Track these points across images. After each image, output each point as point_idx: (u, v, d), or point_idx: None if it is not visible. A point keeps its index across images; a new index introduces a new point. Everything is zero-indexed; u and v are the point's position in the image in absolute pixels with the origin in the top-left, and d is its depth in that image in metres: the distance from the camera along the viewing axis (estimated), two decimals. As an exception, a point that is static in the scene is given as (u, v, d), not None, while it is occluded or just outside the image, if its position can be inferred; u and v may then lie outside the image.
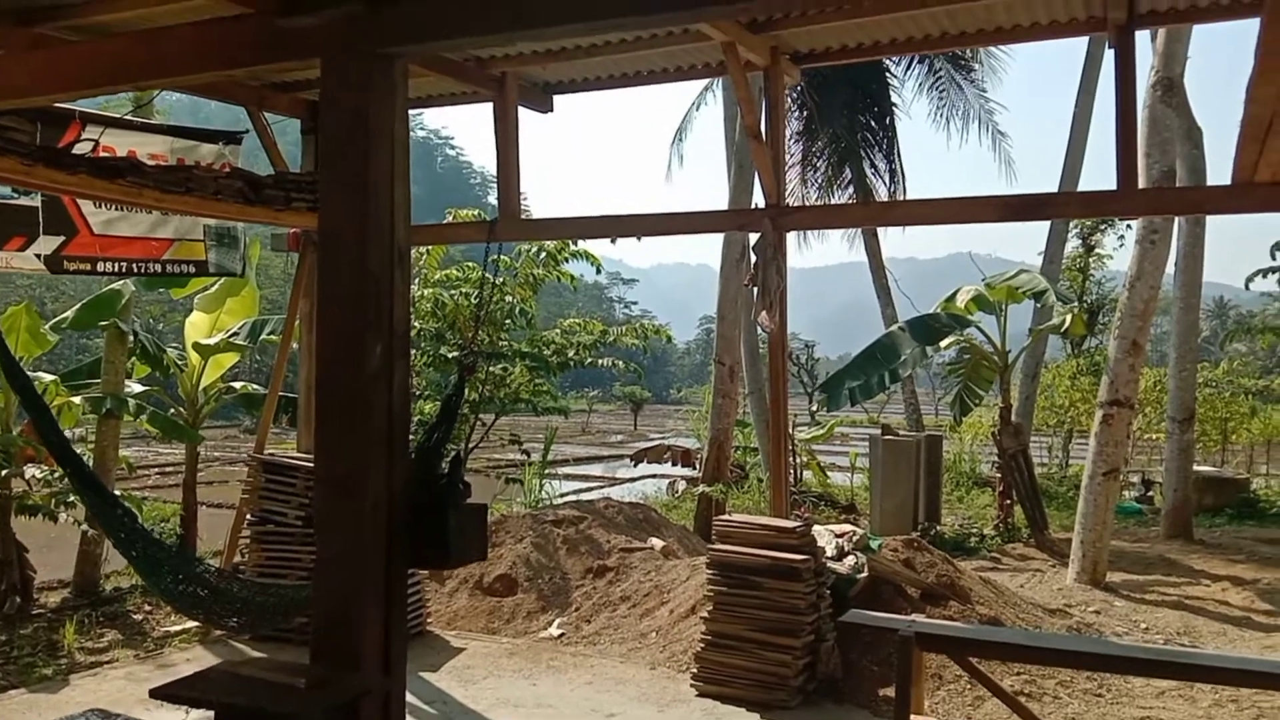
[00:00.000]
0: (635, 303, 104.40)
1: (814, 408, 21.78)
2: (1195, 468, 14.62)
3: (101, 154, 6.38)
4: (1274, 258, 15.77)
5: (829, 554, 7.04)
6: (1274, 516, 14.77)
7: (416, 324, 11.83)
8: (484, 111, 7.48)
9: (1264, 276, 16.20)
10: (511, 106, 7.15)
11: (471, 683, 6.63)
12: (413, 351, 12.18)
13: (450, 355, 11.05)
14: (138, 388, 9.49)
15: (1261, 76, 3.82)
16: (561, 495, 15.35)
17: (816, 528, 7.33)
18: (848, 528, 7.59)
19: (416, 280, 12.29)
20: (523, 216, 7.86)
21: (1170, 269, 12.20)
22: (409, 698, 6.29)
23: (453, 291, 11.59)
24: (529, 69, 7.03)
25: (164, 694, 3.02)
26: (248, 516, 7.77)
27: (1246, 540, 12.78)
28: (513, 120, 7.16)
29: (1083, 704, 6.20)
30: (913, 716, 5.09)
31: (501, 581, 8.58)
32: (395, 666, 3.19)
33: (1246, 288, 16.74)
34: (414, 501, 3.15)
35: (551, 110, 7.49)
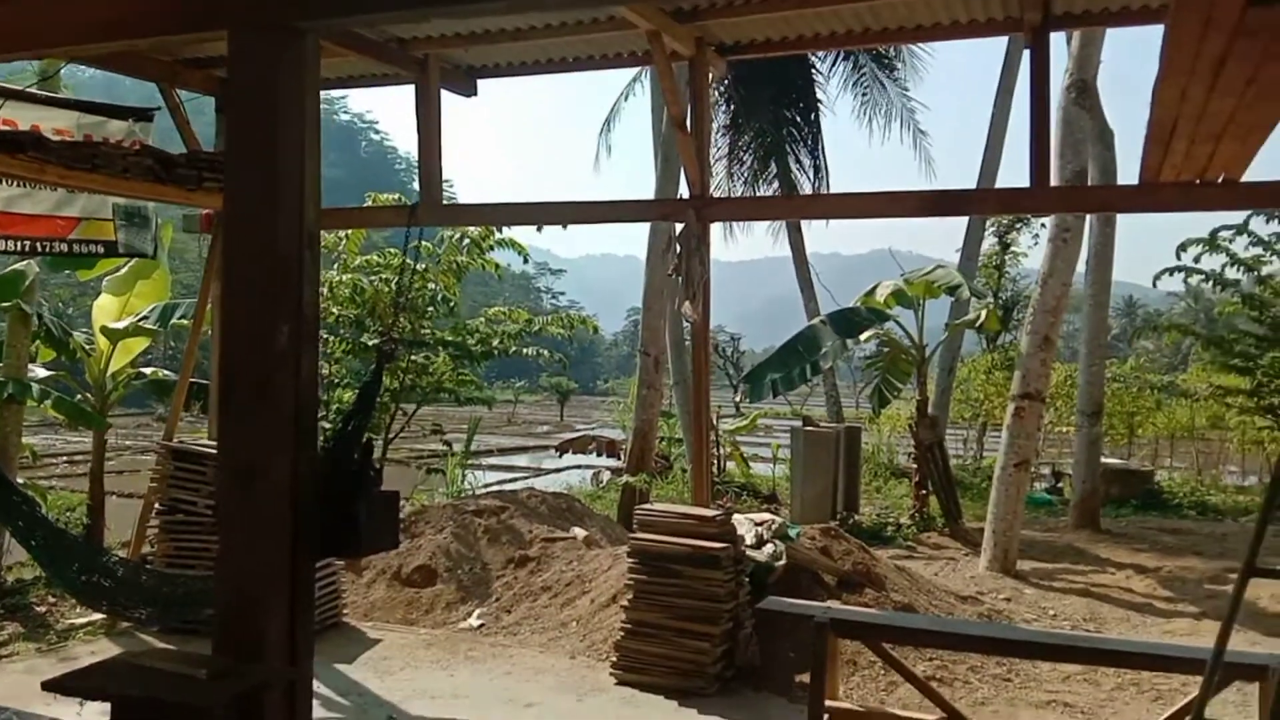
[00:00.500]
0: (563, 293, 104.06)
1: (737, 399, 21.97)
2: (1103, 460, 15.09)
3: (2, 128, 6.11)
4: (1179, 257, 16.29)
5: (748, 542, 7.10)
6: (1176, 507, 15.34)
7: (335, 310, 11.61)
8: (409, 95, 7.36)
9: (1170, 275, 16.70)
10: (434, 89, 7.04)
11: (388, 674, 6.54)
12: (332, 339, 11.96)
13: (371, 343, 10.86)
14: (42, 372, 9.13)
15: (1165, 80, 3.94)
16: (486, 486, 15.24)
17: (736, 516, 7.39)
18: (767, 516, 7.67)
19: (335, 266, 12.07)
20: (445, 202, 7.76)
21: (1081, 267, 12.58)
22: (323, 690, 6.22)
23: (373, 277, 11.40)
24: (451, 51, 6.93)
25: (57, 686, 2.91)
26: (156, 506, 7.54)
27: (1150, 530, 13.26)
28: (435, 103, 7.06)
29: (992, 688, 6.36)
30: (827, 702, 5.17)
31: (420, 572, 8.48)
32: (301, 656, 3.12)
33: (1154, 286, 17.24)
34: (322, 489, 3.08)
35: (475, 94, 7.40)
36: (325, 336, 12.06)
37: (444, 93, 7.30)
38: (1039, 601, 9.17)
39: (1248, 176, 5.54)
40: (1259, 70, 3.63)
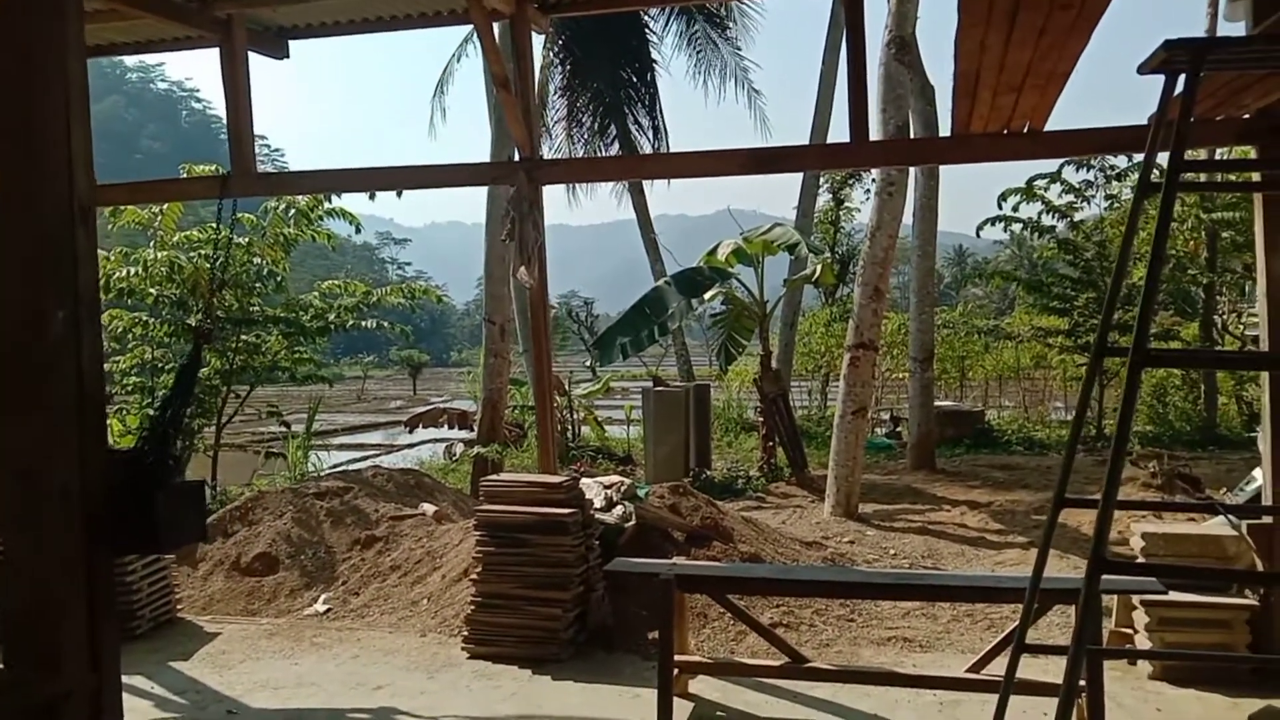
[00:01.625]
0: (409, 264, 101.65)
1: (589, 363, 22.00)
2: (936, 403, 15.84)
3: None
4: (999, 206, 17.16)
5: (597, 505, 7.10)
6: (1006, 444, 16.28)
7: (154, 291, 10.95)
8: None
9: (992, 225, 17.61)
10: (240, 51, 6.64)
11: (227, 668, 6.25)
12: (153, 321, 11.27)
13: (195, 323, 10.29)
14: None
15: (964, 31, 4.06)
16: (334, 467, 14.75)
17: (585, 480, 7.38)
18: (616, 478, 7.68)
19: (152, 243, 11.36)
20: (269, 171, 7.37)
21: (909, 220, 13.06)
22: (158, 690, 5.90)
23: (192, 254, 10.78)
24: (258, 11, 6.55)
25: None
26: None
27: (982, 467, 14.02)
28: (242, 66, 6.66)
29: (836, 629, 6.58)
30: (677, 656, 5.22)
31: (261, 560, 8.13)
32: (105, 662, 2.90)
33: (977, 235, 18.14)
34: (114, 483, 2.85)
35: (287, 56, 7.02)
36: (146, 319, 11.37)
37: (274, 61, 6.89)
38: (880, 542, 9.54)
39: (1051, 126, 5.82)
40: (1049, 20, 3.78)
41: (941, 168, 14.09)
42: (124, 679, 5.94)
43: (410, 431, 19.50)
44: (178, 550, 6.55)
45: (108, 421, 11.25)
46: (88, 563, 2.86)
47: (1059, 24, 3.84)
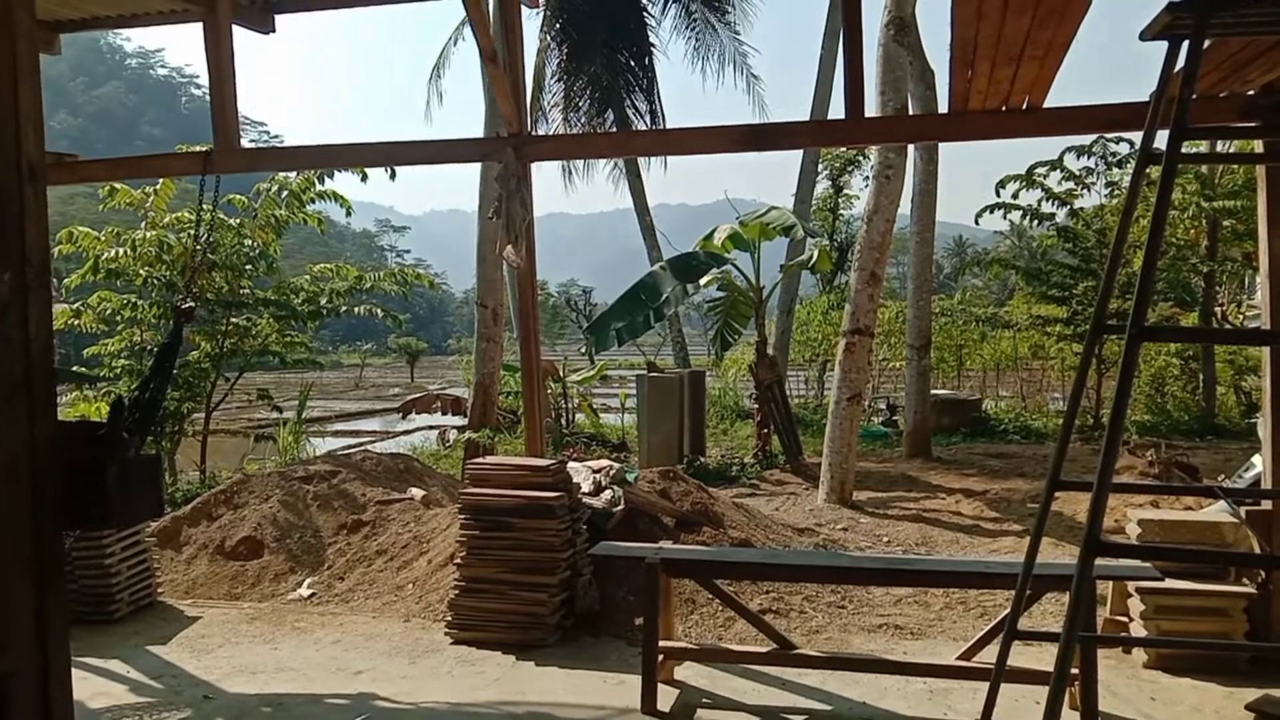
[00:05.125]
0: (408, 251, 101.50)
1: (584, 350, 21.88)
2: (933, 391, 15.73)
3: None
4: (998, 194, 17.02)
5: (585, 489, 6.98)
6: (1002, 433, 16.17)
7: (143, 271, 10.81)
8: (237, 45, 6.77)
9: (991, 212, 17.45)
10: (225, 25, 6.49)
11: (205, 652, 6.14)
12: (141, 303, 11.14)
13: (176, 302, 10.16)
14: None
15: (960, -4, 3.92)
16: (329, 453, 14.64)
17: (573, 464, 7.27)
18: (605, 463, 7.56)
19: (143, 224, 11.22)
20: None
21: (907, 207, 12.91)
22: (134, 674, 5.79)
23: (182, 234, 10.64)
24: (241, -17, 6.40)
25: None
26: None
27: (978, 455, 13.90)
28: (226, 40, 6.51)
29: (826, 616, 6.47)
30: (662, 641, 5.11)
31: (246, 544, 8.02)
32: (52, 641, 2.77)
33: (976, 222, 17.99)
34: (66, 457, 2.72)
35: (273, 30, 6.86)
36: (135, 301, 11.24)
37: (278, 44, 6.74)
38: (874, 529, 9.43)
39: (1050, 102, 5.68)
40: (1047, -16, 3.64)
41: (940, 155, 13.94)
42: (100, 663, 5.88)
43: (404, 417, 19.40)
44: (130, 527, 6.40)
45: (96, 404, 11.12)
46: (35, 539, 2.73)
47: (1058, -11, 3.71)
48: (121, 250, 10.72)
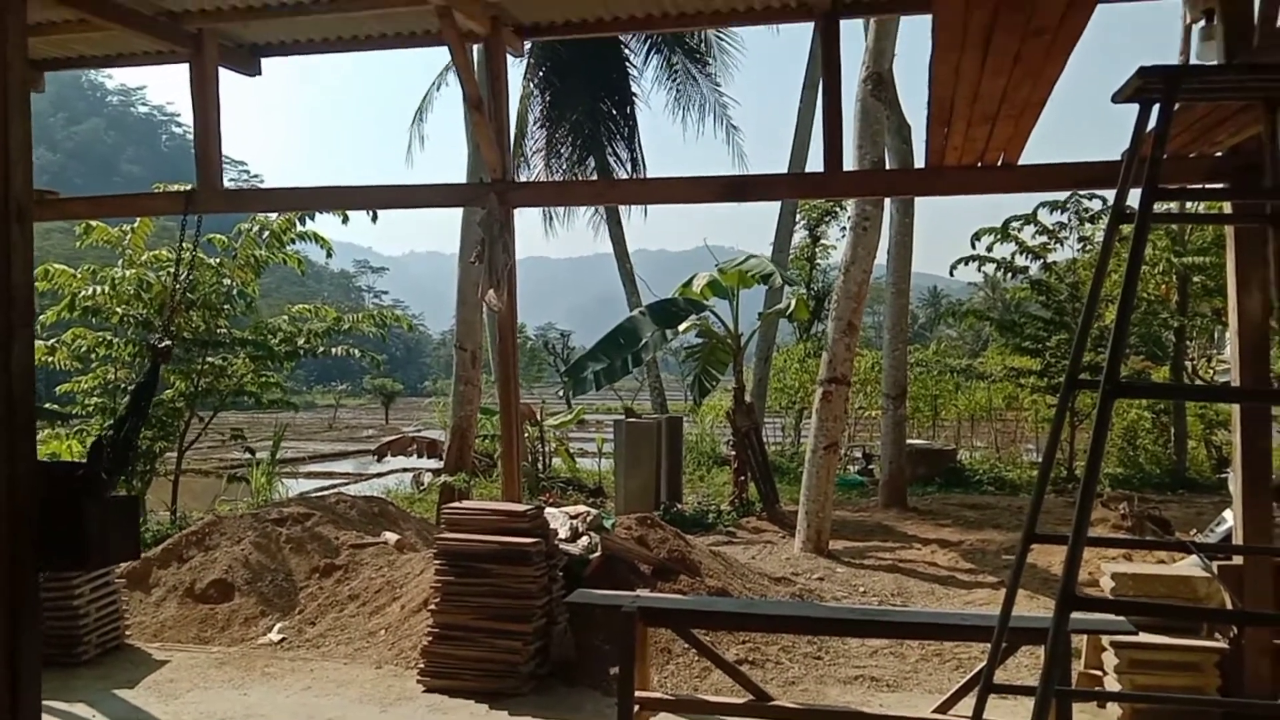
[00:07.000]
0: (385, 292, 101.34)
1: (562, 393, 21.86)
2: (909, 441, 15.78)
3: None
4: (974, 246, 17.25)
5: (562, 535, 6.96)
6: (977, 484, 16.24)
7: (120, 310, 10.75)
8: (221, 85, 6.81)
9: (965, 264, 17.68)
10: (211, 66, 6.54)
11: (173, 697, 6.03)
12: (117, 341, 11.06)
13: (154, 341, 10.09)
14: None
15: (939, 56, 4.03)
16: (303, 495, 14.49)
17: (550, 509, 7.24)
18: (582, 508, 7.54)
19: (120, 261, 11.18)
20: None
21: (883, 258, 13.07)
22: (100, 719, 5.67)
23: (160, 273, 10.60)
24: (229, 26, 6.46)
25: None
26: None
27: (953, 506, 13.95)
28: (212, 82, 6.56)
29: (803, 667, 6.45)
30: (638, 692, 5.07)
31: (216, 587, 7.91)
32: (23, 681, 2.74)
33: (951, 274, 18.22)
34: (43, 496, 2.70)
35: (259, 73, 6.93)
36: (110, 339, 11.16)
37: (251, 84, 6.79)
38: (850, 579, 9.42)
39: (1024, 160, 5.81)
40: (1023, 46, 3.75)
41: (916, 207, 14.15)
42: (65, 706, 5.76)
43: (379, 460, 19.24)
44: (106, 567, 6.32)
45: (68, 442, 10.96)
46: (10, 578, 2.71)
47: (1034, 50, 3.81)
48: (99, 288, 10.66)
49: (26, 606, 2.81)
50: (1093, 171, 5.71)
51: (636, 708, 5.04)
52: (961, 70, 3.99)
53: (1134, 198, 2.93)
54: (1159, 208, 2.87)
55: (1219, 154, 5.36)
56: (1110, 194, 13.41)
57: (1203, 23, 5.07)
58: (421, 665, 6.21)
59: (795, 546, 10.67)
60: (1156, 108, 2.88)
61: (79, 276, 10.95)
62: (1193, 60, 5.21)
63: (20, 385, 2.74)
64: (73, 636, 6.56)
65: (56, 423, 11.39)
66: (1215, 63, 5.08)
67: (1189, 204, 11.99)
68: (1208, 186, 5.42)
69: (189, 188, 6.73)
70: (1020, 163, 5.75)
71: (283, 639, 7.22)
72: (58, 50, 7.04)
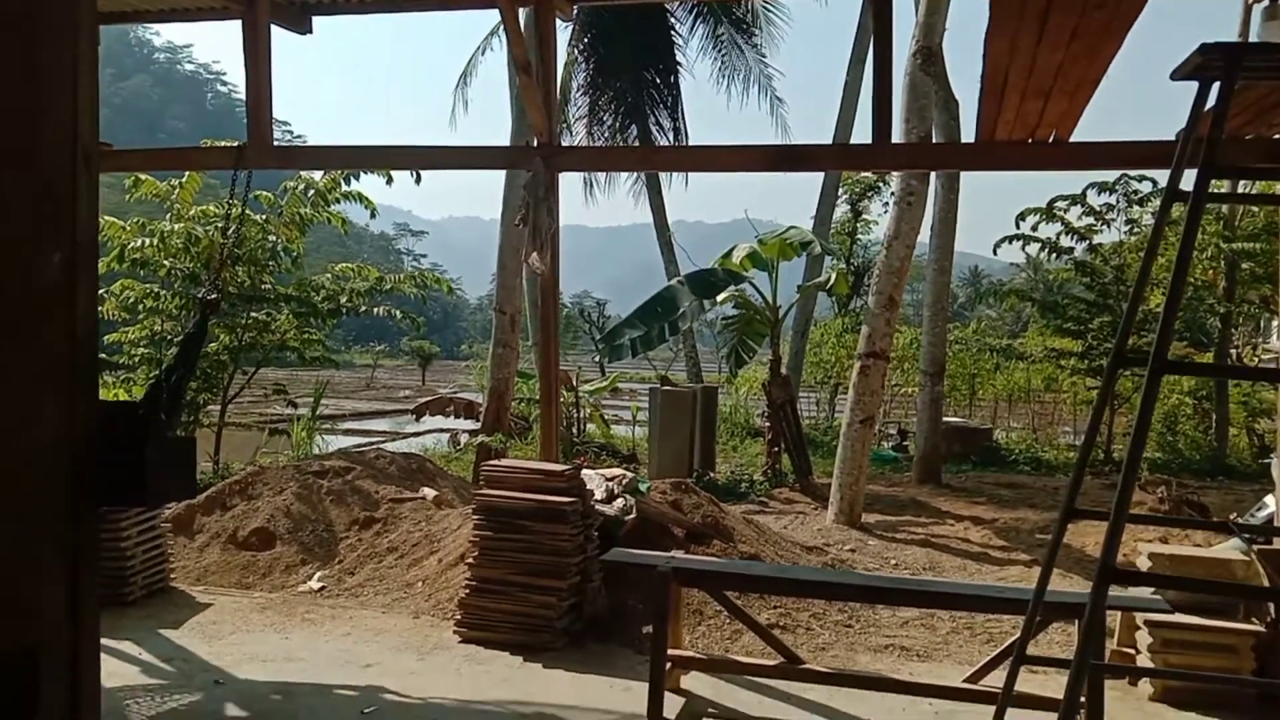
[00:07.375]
0: (425, 255, 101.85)
1: (597, 359, 21.95)
2: (945, 419, 15.71)
3: None
4: (1018, 226, 17.03)
5: (598, 497, 7.04)
6: (1013, 463, 16.13)
7: (167, 263, 10.94)
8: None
9: (1010, 243, 17.45)
10: (263, 23, 6.61)
11: (217, 638, 6.21)
12: (165, 293, 11.26)
13: (202, 294, 10.28)
14: None
15: (994, 31, 3.99)
16: (341, 450, 14.72)
17: (586, 471, 7.32)
18: (618, 471, 7.62)
19: (169, 215, 11.35)
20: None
21: (926, 235, 12.95)
22: (146, 656, 5.86)
23: (209, 227, 10.76)
24: (283, -17, 6.51)
25: None
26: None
27: (988, 484, 13.89)
28: (264, 39, 6.63)
29: (833, 634, 6.50)
30: (670, 650, 5.15)
31: (258, 535, 8.10)
32: (83, 616, 2.84)
33: (995, 254, 17.99)
34: (106, 436, 2.79)
35: (310, 31, 6.98)
36: (158, 291, 11.37)
37: (306, 44, 6.85)
38: (882, 552, 9.45)
39: (1076, 137, 5.74)
40: (1081, 21, 3.71)
41: (960, 185, 13.98)
42: (113, 644, 5.94)
43: (417, 419, 19.48)
44: (164, 505, 6.49)
45: (114, 391, 11.23)
46: (72, 515, 2.80)
47: (1091, 26, 3.76)
48: (148, 241, 10.84)
49: (85, 544, 2.91)
50: (1146, 150, 5.63)
51: (669, 665, 5.12)
52: (1017, 45, 3.96)
53: (1188, 178, 2.91)
54: (1211, 189, 2.85)
55: (1277, 136, 5.26)
56: (1161, 175, 13.20)
57: (1265, 2, 4.96)
58: (458, 616, 6.33)
59: (828, 518, 10.70)
60: (1216, 86, 2.85)
61: (128, 229, 11.14)
62: (1254, 38, 5.12)
63: (84, 326, 2.82)
64: (120, 577, 6.76)
65: (104, 371, 11.64)
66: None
67: (1241, 187, 11.75)
68: (1265, 167, 5.33)
69: (239, 143, 6.83)
70: (1071, 140, 5.69)
71: (323, 587, 7.39)
72: (114, 4, 7.14)
